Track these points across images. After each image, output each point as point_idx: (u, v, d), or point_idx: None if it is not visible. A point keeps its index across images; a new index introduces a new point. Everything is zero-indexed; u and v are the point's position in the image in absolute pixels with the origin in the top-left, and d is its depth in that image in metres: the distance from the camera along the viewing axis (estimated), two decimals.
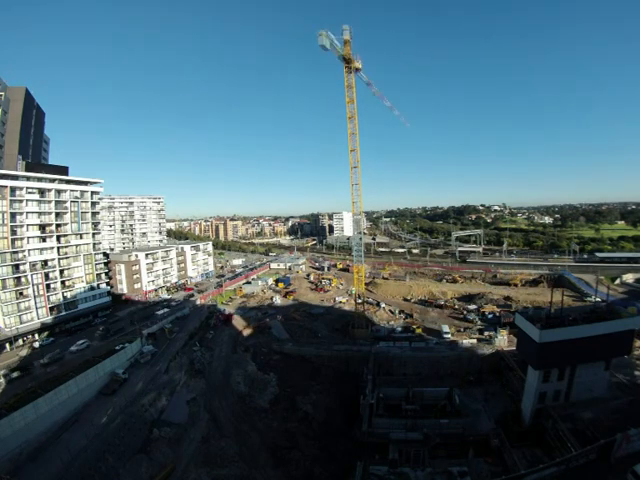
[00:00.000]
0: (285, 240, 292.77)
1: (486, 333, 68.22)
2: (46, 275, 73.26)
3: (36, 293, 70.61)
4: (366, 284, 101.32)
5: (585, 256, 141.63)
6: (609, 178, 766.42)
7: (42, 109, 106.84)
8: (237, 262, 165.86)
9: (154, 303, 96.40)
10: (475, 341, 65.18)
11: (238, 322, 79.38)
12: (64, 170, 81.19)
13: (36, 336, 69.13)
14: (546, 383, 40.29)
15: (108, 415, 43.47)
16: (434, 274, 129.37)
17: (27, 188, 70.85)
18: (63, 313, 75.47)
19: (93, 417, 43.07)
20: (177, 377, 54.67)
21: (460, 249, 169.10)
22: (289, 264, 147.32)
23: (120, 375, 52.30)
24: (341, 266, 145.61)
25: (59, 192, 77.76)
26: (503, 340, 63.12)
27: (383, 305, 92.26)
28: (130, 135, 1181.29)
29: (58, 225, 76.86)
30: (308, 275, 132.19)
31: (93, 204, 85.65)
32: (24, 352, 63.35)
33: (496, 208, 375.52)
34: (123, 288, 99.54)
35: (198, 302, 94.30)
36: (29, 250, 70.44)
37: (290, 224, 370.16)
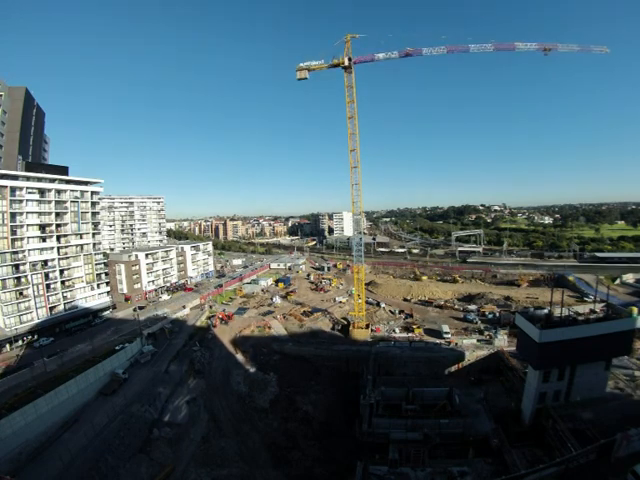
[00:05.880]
0: (285, 240, 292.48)
1: (486, 333, 68.36)
2: (46, 275, 73.19)
3: (36, 293, 70.53)
4: (366, 284, 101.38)
5: (585, 256, 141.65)
6: (609, 178, 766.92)
7: (42, 109, 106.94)
8: (237, 262, 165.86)
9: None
10: (475, 341, 65.21)
11: (238, 322, 79.45)
12: (64, 170, 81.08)
13: (36, 336, 69.10)
14: (546, 383, 40.27)
15: (108, 415, 43.49)
16: (434, 274, 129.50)
17: (27, 188, 70.75)
18: (63, 313, 75.43)
19: (93, 417, 43.12)
20: (177, 377, 54.75)
21: (460, 249, 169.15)
22: (289, 264, 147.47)
23: (120, 375, 52.36)
24: (341, 266, 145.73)
25: (59, 192, 77.67)
26: (503, 340, 63.22)
27: (383, 305, 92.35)
28: (130, 135, 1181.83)
29: (58, 225, 76.75)
30: (308, 275, 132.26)
31: (93, 204, 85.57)
32: (24, 352, 63.37)
33: (496, 208, 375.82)
34: (123, 288, 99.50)
35: (197, 302, 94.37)
36: (29, 250, 70.36)
37: (290, 224, 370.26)
